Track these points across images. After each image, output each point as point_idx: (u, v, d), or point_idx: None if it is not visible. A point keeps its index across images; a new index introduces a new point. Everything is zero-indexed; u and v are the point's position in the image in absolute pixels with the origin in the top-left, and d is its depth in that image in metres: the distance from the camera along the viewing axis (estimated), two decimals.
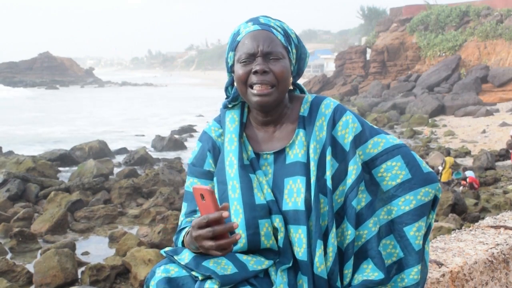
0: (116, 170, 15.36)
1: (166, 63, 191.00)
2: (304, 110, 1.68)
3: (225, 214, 1.39)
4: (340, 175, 1.61)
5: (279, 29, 1.63)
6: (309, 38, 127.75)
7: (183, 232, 1.60)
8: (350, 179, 1.60)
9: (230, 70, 1.68)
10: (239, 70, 1.60)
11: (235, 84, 1.66)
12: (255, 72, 1.57)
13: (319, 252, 1.56)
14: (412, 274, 1.62)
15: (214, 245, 1.40)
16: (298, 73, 1.73)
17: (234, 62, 1.63)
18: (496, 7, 39.00)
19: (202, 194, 1.41)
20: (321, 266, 1.57)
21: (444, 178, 13.90)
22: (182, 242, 1.60)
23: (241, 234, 1.47)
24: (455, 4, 42.72)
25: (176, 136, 22.85)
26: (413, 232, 1.62)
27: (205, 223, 1.40)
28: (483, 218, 3.08)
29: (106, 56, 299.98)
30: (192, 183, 1.72)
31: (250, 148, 1.68)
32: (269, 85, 1.58)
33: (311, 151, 1.61)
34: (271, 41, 1.58)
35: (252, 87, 1.59)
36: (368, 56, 44.23)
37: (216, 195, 1.67)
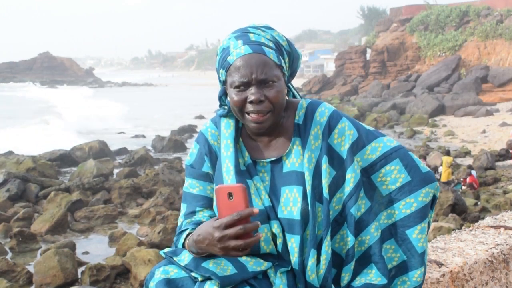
0: (116, 170, 15.36)
1: (166, 63, 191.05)
2: (299, 117, 1.66)
3: (255, 210, 1.36)
4: (337, 183, 1.61)
5: (270, 44, 1.58)
6: (309, 38, 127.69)
7: (184, 234, 1.59)
8: (348, 187, 1.60)
9: (223, 84, 1.64)
10: (233, 96, 1.56)
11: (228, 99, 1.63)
12: (251, 102, 1.54)
13: (311, 261, 1.56)
14: (415, 276, 1.63)
15: (243, 244, 1.36)
16: (292, 75, 1.71)
17: (227, 81, 1.59)
18: (496, 7, 39.02)
19: (231, 193, 1.37)
20: (312, 275, 1.57)
21: (444, 177, 13.90)
22: (183, 244, 1.58)
23: (262, 235, 1.43)
24: (455, 4, 42.74)
25: (176, 137, 22.85)
26: (415, 234, 1.62)
27: (236, 220, 1.36)
28: (483, 218, 3.07)
29: (106, 56, 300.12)
30: (191, 185, 1.70)
31: (246, 153, 1.67)
32: (265, 112, 1.56)
33: (305, 160, 1.60)
34: (264, 66, 1.53)
35: (248, 114, 1.57)
36: (368, 56, 44.24)
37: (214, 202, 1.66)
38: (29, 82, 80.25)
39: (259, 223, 1.38)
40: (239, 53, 1.55)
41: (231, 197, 1.37)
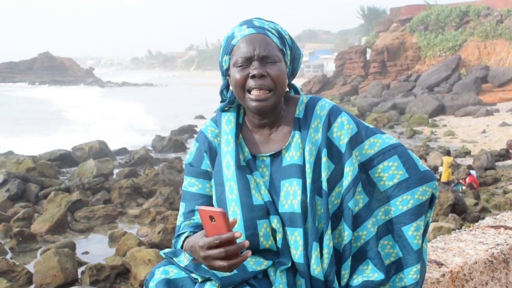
0: (116, 170, 15.36)
1: (166, 63, 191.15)
2: (299, 111, 1.68)
3: (237, 234, 1.35)
4: (336, 177, 1.61)
5: (273, 31, 1.62)
6: (309, 38, 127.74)
7: (182, 237, 1.59)
8: (347, 180, 1.60)
9: (225, 73, 1.67)
10: (236, 74, 1.59)
11: (230, 87, 1.65)
12: (253, 77, 1.56)
13: (315, 254, 1.56)
14: (411, 273, 1.62)
15: (226, 265, 1.36)
16: (293, 73, 1.73)
17: (230, 66, 1.63)
18: (496, 7, 39.01)
19: (212, 216, 1.36)
20: (317, 268, 1.57)
21: (444, 178, 13.90)
22: (181, 246, 1.58)
23: (250, 253, 1.41)
24: (455, 4, 42.74)
25: (176, 137, 22.86)
26: (411, 231, 1.62)
27: (217, 244, 1.35)
28: (483, 218, 3.07)
29: (106, 56, 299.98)
30: (190, 183, 1.71)
31: (246, 149, 1.68)
32: (267, 90, 1.57)
33: (306, 153, 1.61)
34: (267, 45, 1.58)
35: (250, 92, 1.58)
36: (368, 56, 44.24)
37: (214, 197, 1.66)
38: (28, 83, 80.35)
39: (246, 243, 1.36)
40: (243, 34, 1.60)
41: (213, 220, 1.37)
